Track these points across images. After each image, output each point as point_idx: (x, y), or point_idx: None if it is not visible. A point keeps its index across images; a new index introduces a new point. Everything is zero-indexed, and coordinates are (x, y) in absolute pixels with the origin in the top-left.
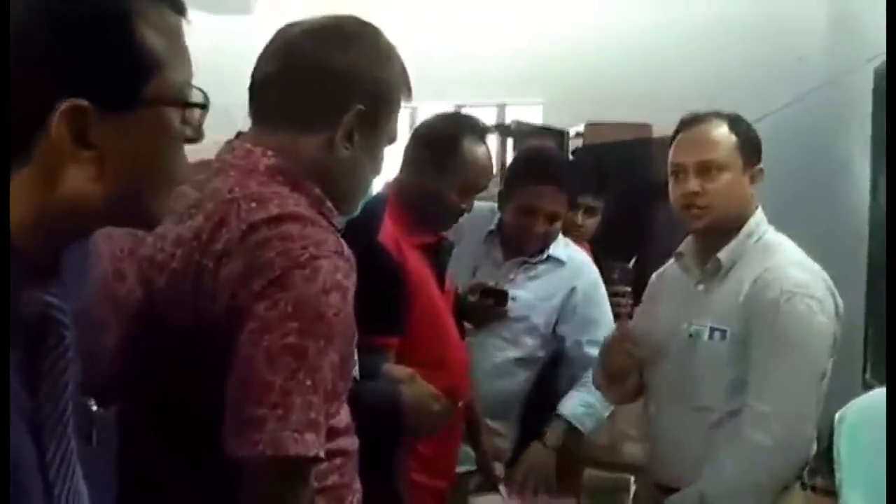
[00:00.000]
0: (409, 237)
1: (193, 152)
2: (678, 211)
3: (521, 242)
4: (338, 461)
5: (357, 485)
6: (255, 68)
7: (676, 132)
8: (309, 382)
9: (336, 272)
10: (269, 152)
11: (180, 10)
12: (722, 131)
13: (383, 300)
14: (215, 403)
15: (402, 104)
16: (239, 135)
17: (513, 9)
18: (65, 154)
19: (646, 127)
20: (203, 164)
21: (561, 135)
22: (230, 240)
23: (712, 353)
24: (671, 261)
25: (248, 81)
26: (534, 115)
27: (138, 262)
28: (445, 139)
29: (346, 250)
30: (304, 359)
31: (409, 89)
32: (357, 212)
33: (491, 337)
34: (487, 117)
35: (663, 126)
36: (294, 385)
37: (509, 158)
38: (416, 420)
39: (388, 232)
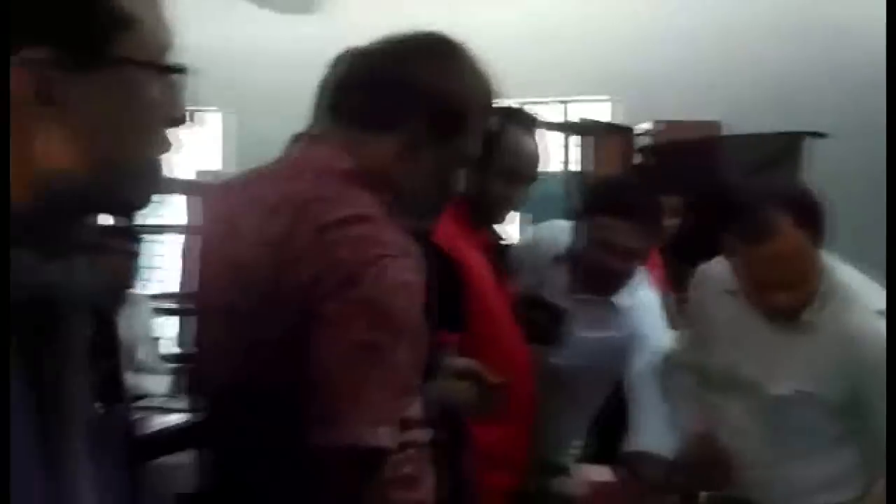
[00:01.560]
0: (468, 236)
1: None
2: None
3: (594, 279)
4: (411, 452)
5: (430, 475)
6: (330, 71)
7: (741, 239)
8: (382, 377)
9: (404, 271)
10: (345, 155)
11: None
12: (794, 236)
13: (442, 298)
14: (296, 398)
15: (482, 123)
16: (298, 136)
17: (577, 2)
18: (29, 109)
19: (714, 125)
20: (280, 164)
21: (628, 132)
22: (305, 241)
23: (805, 419)
24: (709, 270)
25: (309, 77)
26: (601, 112)
27: (226, 262)
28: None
29: (415, 249)
30: (376, 355)
31: (488, 108)
32: (431, 221)
33: (549, 372)
34: (551, 115)
35: (732, 124)
36: (367, 380)
37: (573, 157)
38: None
39: (446, 231)
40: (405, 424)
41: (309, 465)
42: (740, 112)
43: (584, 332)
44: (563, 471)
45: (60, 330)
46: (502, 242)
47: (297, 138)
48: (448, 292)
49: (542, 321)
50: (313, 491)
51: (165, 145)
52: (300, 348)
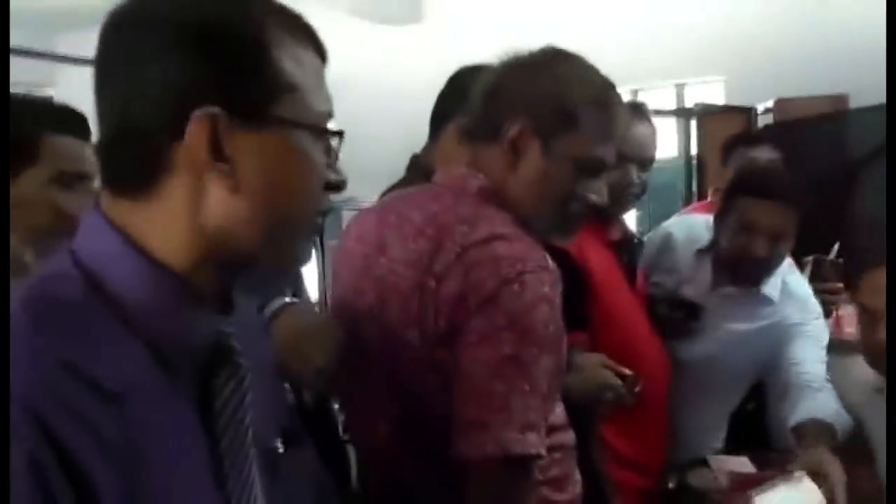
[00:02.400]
0: (592, 234)
1: None
2: None
3: (738, 265)
4: (557, 455)
5: (577, 476)
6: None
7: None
8: (527, 387)
9: (542, 285)
10: (474, 172)
11: (321, 53)
12: None
13: (566, 298)
14: (442, 409)
15: (598, 134)
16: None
17: None
18: (201, 162)
19: (842, 98)
20: (426, 188)
21: (748, 113)
22: (447, 262)
23: None
24: (851, 370)
25: (418, 87)
26: (716, 93)
27: (374, 281)
28: None
29: (551, 263)
30: (520, 366)
31: (598, 108)
32: (559, 235)
33: (691, 368)
34: (665, 99)
35: (863, 95)
36: (513, 391)
37: (693, 141)
38: (583, 399)
39: None
40: (550, 429)
41: (459, 472)
42: (866, 84)
43: (733, 325)
44: (701, 463)
45: (235, 372)
46: (634, 239)
47: (417, 158)
48: (572, 293)
49: (676, 318)
50: (466, 498)
51: (325, 208)
52: (442, 361)
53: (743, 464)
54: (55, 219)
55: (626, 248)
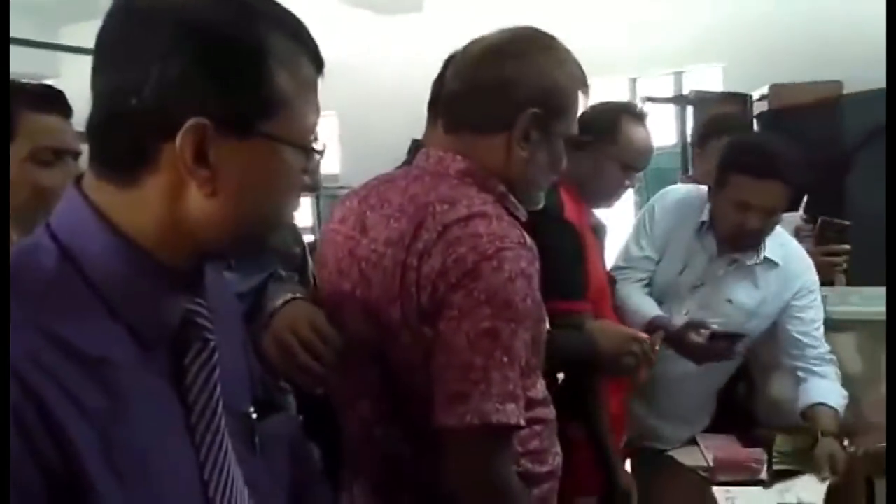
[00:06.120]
0: (582, 216)
1: None
2: None
3: (732, 238)
4: (538, 428)
5: (556, 449)
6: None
7: None
8: (505, 359)
9: (520, 261)
10: (458, 157)
11: (318, 65)
12: None
13: (579, 270)
14: (424, 383)
15: (579, 102)
16: (416, 142)
17: None
18: (185, 168)
19: (836, 85)
20: (401, 170)
21: (744, 99)
22: (428, 240)
23: None
24: None
25: (419, 76)
26: (714, 79)
27: (357, 261)
28: (604, 122)
29: (529, 241)
30: (498, 339)
31: (584, 88)
32: (540, 204)
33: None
34: (664, 87)
35: (857, 81)
36: (492, 363)
37: (689, 128)
38: (613, 353)
39: (571, 210)
40: (531, 403)
41: (440, 443)
42: (860, 70)
43: (743, 294)
44: (690, 441)
45: (204, 347)
46: (603, 223)
47: (417, 144)
48: (583, 266)
49: (720, 347)
50: (447, 468)
51: (296, 208)
52: (423, 335)
53: (731, 441)
54: (34, 195)
55: (600, 230)
